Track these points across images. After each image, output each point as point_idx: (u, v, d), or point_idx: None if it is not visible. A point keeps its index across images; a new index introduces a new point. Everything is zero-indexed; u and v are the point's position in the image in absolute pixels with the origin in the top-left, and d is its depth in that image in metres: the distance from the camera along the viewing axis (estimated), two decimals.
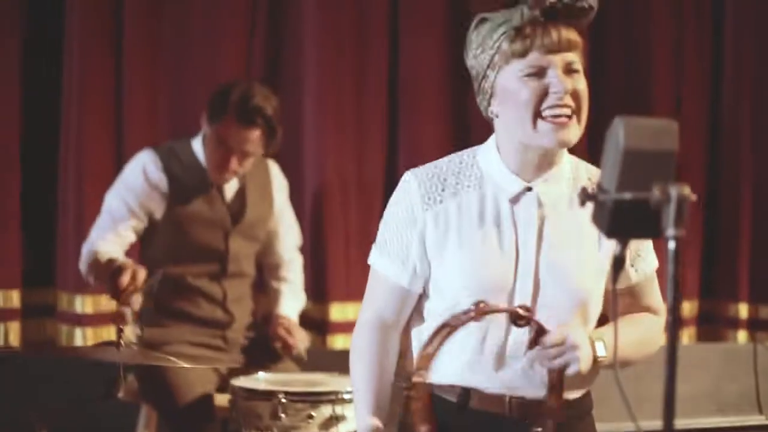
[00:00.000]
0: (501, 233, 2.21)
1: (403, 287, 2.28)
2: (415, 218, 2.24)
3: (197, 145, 3.64)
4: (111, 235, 3.49)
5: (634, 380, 4.46)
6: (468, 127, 4.32)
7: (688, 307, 4.94)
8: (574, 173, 2.27)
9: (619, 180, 1.74)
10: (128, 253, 3.54)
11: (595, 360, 2.15)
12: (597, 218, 1.80)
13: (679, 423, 4.95)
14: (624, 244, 1.80)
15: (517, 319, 2.13)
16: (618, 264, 1.81)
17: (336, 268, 4.34)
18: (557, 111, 2.14)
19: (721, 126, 5.02)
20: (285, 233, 3.86)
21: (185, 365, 2.89)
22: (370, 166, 4.44)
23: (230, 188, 3.68)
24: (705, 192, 4.98)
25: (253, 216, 3.71)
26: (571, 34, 2.16)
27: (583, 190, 1.79)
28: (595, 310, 2.27)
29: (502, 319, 2.19)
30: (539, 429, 2.19)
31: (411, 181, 2.26)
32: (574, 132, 2.17)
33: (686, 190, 1.64)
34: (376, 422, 2.25)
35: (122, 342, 2.80)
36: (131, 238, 3.56)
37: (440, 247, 2.22)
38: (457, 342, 2.20)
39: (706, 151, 5.00)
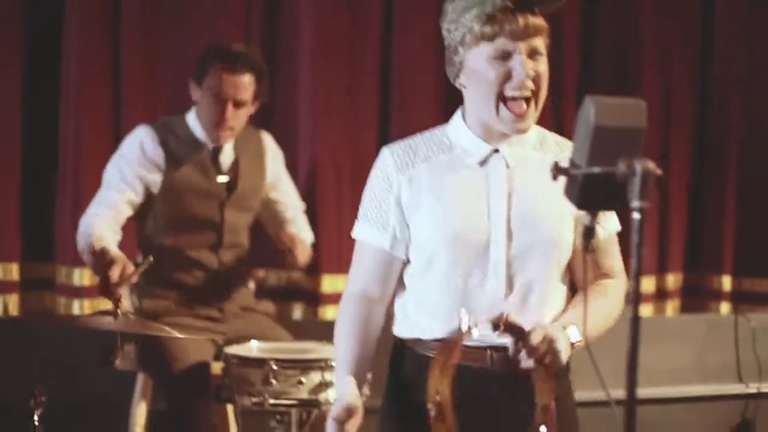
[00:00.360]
0: (472, 188, 2.33)
1: (385, 251, 2.39)
2: (390, 184, 2.37)
3: (191, 119, 3.72)
4: (108, 211, 3.54)
5: (616, 351, 4.57)
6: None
7: (673, 280, 5.05)
8: (541, 140, 2.40)
9: (589, 155, 1.84)
10: (124, 229, 3.61)
11: (572, 345, 2.27)
12: (569, 191, 1.91)
13: (663, 391, 5.07)
14: (594, 215, 1.90)
15: (496, 328, 2.22)
16: (588, 233, 1.92)
17: (328, 241, 4.44)
18: (517, 93, 2.27)
19: (708, 103, 5.10)
20: (285, 198, 3.93)
21: (179, 335, 2.97)
22: (363, 145, 4.52)
23: (225, 161, 3.76)
24: (691, 167, 5.07)
25: (247, 187, 3.78)
26: (537, 20, 2.28)
27: (555, 164, 1.90)
28: (566, 256, 2.37)
29: (479, 266, 2.30)
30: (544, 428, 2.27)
31: (386, 154, 2.41)
32: (531, 120, 2.31)
33: (651, 165, 1.74)
34: (353, 396, 2.32)
35: (119, 311, 2.87)
36: (128, 212, 3.61)
37: (415, 205, 2.35)
38: (434, 291, 2.33)
39: (693, 128, 5.09)
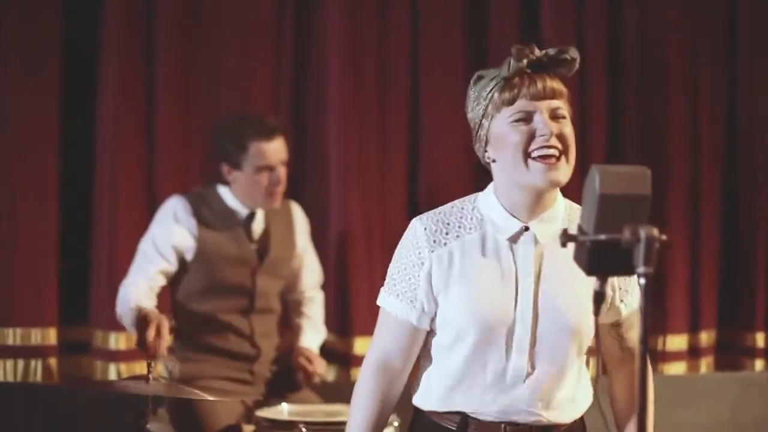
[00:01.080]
0: (501, 268, 2.35)
1: (411, 324, 2.41)
2: (421, 259, 2.37)
3: (223, 190, 3.82)
4: (143, 280, 3.66)
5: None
6: (487, 173, 4.47)
7: (706, 337, 5.02)
8: (569, 214, 2.41)
9: (596, 222, 1.90)
10: (159, 296, 3.71)
11: None
12: (578, 257, 1.96)
13: None
14: (603, 281, 1.95)
15: None
16: (598, 298, 1.97)
17: (360, 303, 4.48)
18: (544, 152, 2.29)
19: (737, 157, 5.11)
20: (307, 272, 4.03)
21: (210, 398, 3.03)
22: (392, 210, 4.57)
23: (256, 229, 3.85)
24: (722, 224, 5.08)
25: (278, 254, 3.87)
26: (555, 83, 2.33)
27: (564, 231, 1.95)
28: (589, 338, 2.41)
29: (502, 344, 2.33)
30: None
31: (417, 226, 2.41)
32: (564, 171, 2.32)
33: (654, 231, 1.79)
34: None
35: (151, 375, 2.93)
36: (162, 281, 3.73)
37: (445, 284, 2.36)
38: (458, 368, 2.36)
39: (724, 182, 5.10)
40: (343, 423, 3.21)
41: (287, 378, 3.87)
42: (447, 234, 2.38)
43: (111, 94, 4.32)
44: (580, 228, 1.95)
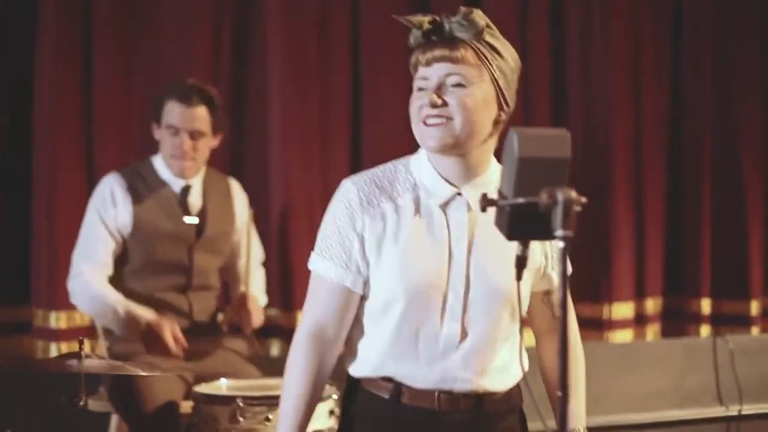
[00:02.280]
0: (434, 233, 2.33)
1: (345, 288, 2.36)
2: (354, 221, 2.34)
3: (158, 162, 3.79)
4: (98, 268, 3.68)
5: (599, 377, 4.59)
6: None
7: (652, 304, 5.05)
8: None
9: (515, 186, 1.87)
10: None
11: None
12: (498, 223, 1.94)
13: (643, 417, 5.07)
14: (524, 245, 1.93)
15: None
16: (520, 263, 1.95)
17: (302, 278, 4.44)
18: (428, 122, 2.31)
19: (682, 127, 5.13)
20: (248, 248, 3.99)
21: (141, 373, 2.99)
22: (335, 182, 4.52)
23: (193, 202, 3.81)
24: (666, 192, 5.10)
25: (216, 230, 3.84)
26: (452, 49, 2.29)
27: (483, 196, 1.93)
28: (523, 307, 2.38)
29: (434, 311, 2.31)
30: None
31: (349, 187, 2.38)
32: (447, 134, 2.29)
33: (572, 194, 1.76)
34: None
35: (83, 353, 2.89)
36: (111, 263, 3.73)
37: (378, 246, 2.33)
38: (390, 334, 2.34)
39: (667, 153, 5.11)
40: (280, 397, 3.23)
41: (229, 354, 3.85)
42: (380, 195, 2.36)
43: (48, 66, 4.26)
44: (500, 192, 1.93)
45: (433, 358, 2.32)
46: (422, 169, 2.38)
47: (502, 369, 2.37)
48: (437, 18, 2.31)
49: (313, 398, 2.39)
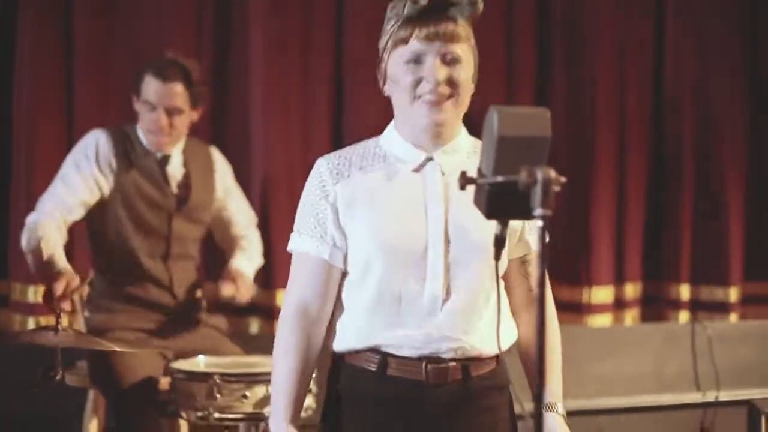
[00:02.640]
0: (409, 197, 2.33)
1: (324, 261, 2.35)
2: (326, 193, 2.35)
3: (142, 133, 3.77)
4: (59, 212, 3.55)
5: (577, 361, 4.60)
6: None
7: (632, 289, 5.07)
8: (474, 148, 2.39)
9: (494, 165, 1.87)
10: (73, 230, 3.64)
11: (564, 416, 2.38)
12: (477, 200, 1.93)
13: (621, 401, 5.09)
14: (503, 224, 1.92)
15: None
16: (498, 243, 1.94)
17: (282, 255, 4.40)
18: (429, 98, 2.29)
19: (663, 113, 5.14)
20: (236, 214, 3.98)
21: (117, 348, 2.98)
22: (315, 153, 4.52)
23: (175, 171, 3.79)
24: (647, 177, 5.11)
25: (197, 200, 3.82)
26: (451, 26, 2.30)
27: (463, 174, 1.92)
28: (501, 267, 2.37)
29: (414, 272, 2.29)
30: None
31: (321, 164, 2.40)
32: (449, 111, 2.31)
33: (552, 173, 1.75)
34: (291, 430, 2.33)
35: (60, 326, 2.87)
36: (80, 213, 3.63)
37: (351, 213, 2.33)
38: (371, 300, 2.32)
39: (649, 138, 5.12)
40: (258, 374, 3.23)
41: (208, 330, 3.83)
42: (350, 167, 2.37)
43: (28, 39, 4.25)
44: (479, 170, 1.92)
45: (417, 320, 2.30)
46: (392, 141, 2.39)
47: (489, 330, 2.32)
48: None
49: (304, 375, 2.36)
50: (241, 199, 4.04)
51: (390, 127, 2.42)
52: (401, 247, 2.29)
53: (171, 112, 3.70)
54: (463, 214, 2.31)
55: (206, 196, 3.87)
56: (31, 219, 3.51)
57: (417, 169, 2.35)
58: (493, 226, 2.17)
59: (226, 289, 3.82)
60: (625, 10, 5.00)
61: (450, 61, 2.29)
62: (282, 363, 2.36)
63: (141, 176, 3.71)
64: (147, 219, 3.71)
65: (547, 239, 2.41)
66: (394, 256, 2.29)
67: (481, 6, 2.30)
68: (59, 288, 3.04)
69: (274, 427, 2.35)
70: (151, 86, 3.69)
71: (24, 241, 3.44)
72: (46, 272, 3.16)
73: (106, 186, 3.68)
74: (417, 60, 2.30)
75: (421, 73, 2.29)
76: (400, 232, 2.30)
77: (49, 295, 3.05)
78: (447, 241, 2.30)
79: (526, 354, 2.47)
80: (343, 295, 2.39)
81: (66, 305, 3.05)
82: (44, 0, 4.25)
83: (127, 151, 3.71)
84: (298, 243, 2.39)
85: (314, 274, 2.37)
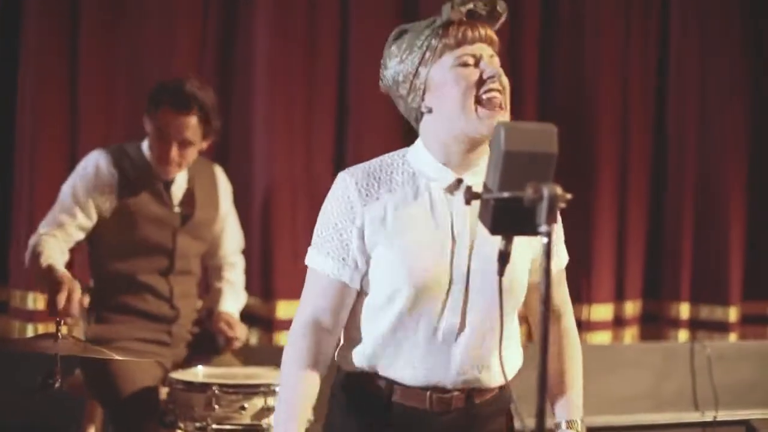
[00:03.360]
0: (437, 222, 2.28)
1: (343, 283, 2.31)
2: (353, 215, 2.29)
3: (146, 147, 3.75)
4: (58, 232, 3.56)
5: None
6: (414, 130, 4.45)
7: (631, 307, 5.07)
8: None
9: (500, 180, 1.86)
10: (73, 251, 3.63)
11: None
12: (482, 216, 1.93)
13: (619, 419, 5.07)
14: (508, 240, 1.92)
15: None
16: (502, 258, 1.93)
17: (283, 267, 4.45)
18: (493, 94, 2.24)
19: (666, 132, 5.14)
20: (229, 237, 3.98)
21: (118, 357, 2.97)
22: (318, 167, 4.54)
23: (178, 189, 3.78)
24: (649, 196, 5.11)
25: (201, 217, 3.82)
26: (491, 32, 2.30)
27: (468, 189, 1.91)
28: (518, 301, 2.37)
29: (436, 302, 2.26)
30: None
31: (348, 180, 2.32)
32: (505, 120, 2.26)
33: (557, 189, 1.75)
34: None
35: (60, 334, 2.86)
36: (78, 236, 3.63)
37: (379, 241, 2.28)
38: (389, 328, 2.29)
39: (651, 157, 5.13)
40: (257, 386, 3.23)
41: (208, 341, 3.83)
42: (378, 188, 2.30)
43: (33, 55, 4.24)
44: (485, 185, 1.91)
45: (430, 352, 2.28)
46: (420, 158, 2.33)
47: (498, 360, 2.30)
48: None
49: (313, 388, 2.32)
50: (236, 224, 4.04)
51: (419, 145, 2.35)
52: (430, 281, 2.25)
53: (183, 144, 3.65)
54: (487, 247, 2.26)
55: (210, 213, 3.87)
56: (32, 241, 3.51)
57: (447, 190, 2.30)
58: (515, 262, 2.19)
59: (222, 338, 3.83)
60: (627, 10, 5.01)
61: (495, 62, 2.29)
62: (292, 379, 2.31)
63: (144, 194, 3.70)
64: (151, 236, 3.70)
65: (567, 259, 2.47)
66: (421, 290, 2.26)
67: (504, 17, 2.31)
68: (62, 298, 3.03)
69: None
70: (166, 116, 3.63)
71: (26, 259, 3.45)
72: (47, 281, 3.16)
73: (106, 208, 3.66)
74: (472, 63, 2.26)
75: (478, 72, 2.25)
76: (430, 265, 2.25)
77: (52, 305, 3.05)
78: (468, 274, 2.28)
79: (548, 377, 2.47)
80: (362, 317, 2.35)
81: (72, 311, 3.04)
82: (49, 12, 4.24)
83: (129, 171, 3.69)
84: (319, 262, 2.33)
85: (330, 294, 2.33)
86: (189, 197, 3.80)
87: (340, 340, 2.41)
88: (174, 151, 3.64)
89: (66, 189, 3.67)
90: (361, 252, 2.29)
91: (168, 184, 3.75)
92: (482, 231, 2.21)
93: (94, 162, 3.68)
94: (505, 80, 2.28)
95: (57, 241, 3.51)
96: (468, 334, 2.29)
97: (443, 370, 2.29)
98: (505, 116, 2.26)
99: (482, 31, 2.27)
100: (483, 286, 2.28)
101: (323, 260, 2.32)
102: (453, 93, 2.25)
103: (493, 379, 2.34)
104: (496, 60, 2.29)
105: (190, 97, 3.64)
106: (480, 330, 2.29)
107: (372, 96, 4.59)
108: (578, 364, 2.47)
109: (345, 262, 2.30)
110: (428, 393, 2.30)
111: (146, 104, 3.71)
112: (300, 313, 2.35)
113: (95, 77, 4.32)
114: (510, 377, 2.35)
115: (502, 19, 2.33)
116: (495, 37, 2.31)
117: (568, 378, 2.44)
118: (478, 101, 2.24)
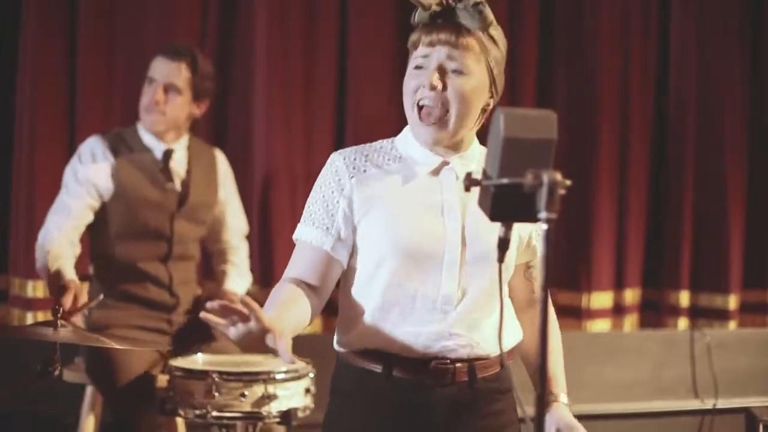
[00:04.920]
0: (425, 198, 2.31)
1: (325, 252, 2.31)
2: (341, 186, 2.32)
3: (141, 129, 3.76)
4: (68, 221, 3.57)
5: (575, 366, 4.58)
6: None
7: (631, 295, 5.07)
8: (484, 159, 2.37)
9: (500, 167, 1.86)
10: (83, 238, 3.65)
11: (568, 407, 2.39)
12: (482, 203, 1.92)
13: (619, 407, 5.08)
14: (507, 227, 1.92)
15: None
16: (502, 245, 1.93)
17: (282, 255, 4.45)
18: (423, 102, 2.28)
19: (665, 119, 5.14)
20: (231, 220, 3.98)
21: (117, 346, 2.97)
22: (318, 158, 4.53)
23: (178, 165, 3.79)
24: (649, 183, 5.11)
25: (198, 200, 3.82)
26: (457, 38, 2.27)
27: (468, 175, 1.91)
28: (507, 272, 2.39)
29: (431, 272, 2.28)
30: None
31: (336, 158, 2.36)
32: (443, 133, 2.29)
33: (557, 176, 1.74)
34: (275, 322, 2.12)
35: (59, 322, 2.87)
36: (88, 217, 3.65)
37: (367, 208, 2.30)
38: (380, 297, 2.30)
39: (651, 145, 5.12)
40: (256, 373, 3.23)
41: (204, 327, 3.82)
42: (366, 162, 2.34)
43: (31, 48, 4.23)
44: (484, 172, 1.91)
45: (429, 319, 2.29)
46: (408, 143, 2.37)
47: (495, 330, 2.31)
48: (447, 1, 2.27)
49: (295, 297, 2.24)
50: (239, 208, 4.03)
51: (406, 130, 2.39)
52: (418, 248, 2.27)
53: (168, 88, 3.70)
54: (479, 218, 2.21)
55: (208, 196, 3.87)
56: (41, 235, 3.53)
57: (434, 173, 2.33)
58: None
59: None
60: (625, 6, 5.00)
61: (453, 70, 2.27)
62: (275, 294, 2.27)
63: (141, 179, 3.70)
64: (148, 222, 3.71)
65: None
66: (409, 257, 2.27)
67: (488, 14, 2.27)
68: (68, 301, 3.06)
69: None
70: (157, 64, 3.71)
71: (37, 258, 3.47)
72: (54, 285, 3.18)
73: (106, 193, 3.67)
74: (422, 66, 2.29)
75: (422, 77, 2.28)
76: (417, 233, 2.28)
77: (57, 307, 3.06)
78: (464, 244, 2.29)
79: (527, 354, 2.48)
80: (352, 293, 2.35)
81: (76, 313, 3.09)
82: (48, 5, 4.23)
83: (124, 155, 3.70)
84: (303, 232, 2.35)
85: (314, 264, 2.32)
86: (186, 179, 3.80)
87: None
88: (159, 94, 3.68)
89: (68, 174, 3.69)
90: (347, 222, 2.31)
91: (167, 159, 3.74)
92: (473, 206, 2.19)
93: (89, 147, 3.71)
94: (460, 89, 2.26)
95: (67, 233, 3.54)
96: (466, 301, 2.30)
97: (445, 336, 2.29)
98: (440, 130, 2.28)
99: (437, 34, 2.27)
100: (477, 257, 2.29)
101: (308, 230, 2.34)
102: (404, 93, 2.32)
103: (492, 345, 2.33)
104: (455, 65, 2.27)
105: (183, 47, 3.77)
106: (477, 298, 2.31)
107: (372, 83, 4.62)
108: (558, 347, 2.47)
109: (328, 231, 2.31)
110: (431, 364, 2.30)
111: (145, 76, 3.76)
112: (283, 277, 2.35)
113: (93, 60, 4.33)
114: (508, 347, 2.37)
115: (483, 18, 2.28)
116: (460, 40, 2.27)
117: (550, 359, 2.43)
118: (418, 106, 2.29)
